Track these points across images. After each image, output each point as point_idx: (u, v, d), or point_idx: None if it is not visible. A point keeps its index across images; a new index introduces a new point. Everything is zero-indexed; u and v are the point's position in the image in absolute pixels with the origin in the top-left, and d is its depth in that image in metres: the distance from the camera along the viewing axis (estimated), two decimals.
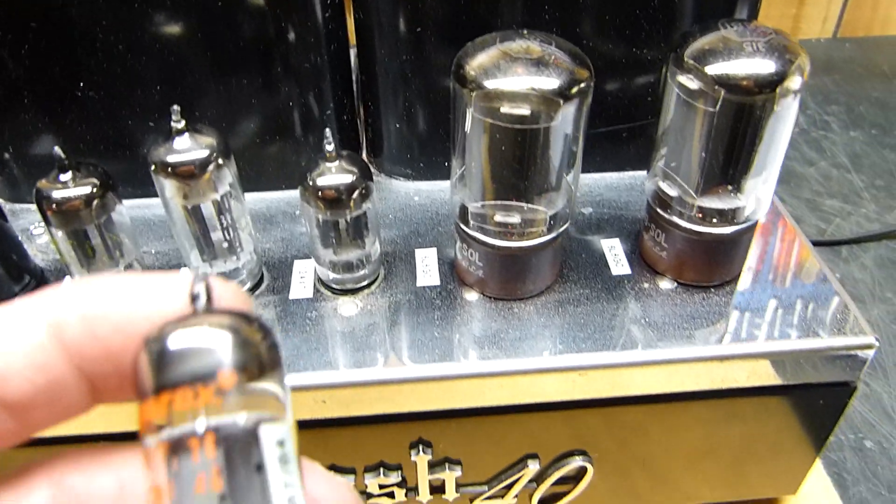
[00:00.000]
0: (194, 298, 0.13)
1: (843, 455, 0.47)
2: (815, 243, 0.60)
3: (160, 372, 0.12)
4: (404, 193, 0.41)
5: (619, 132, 0.40)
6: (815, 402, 0.35)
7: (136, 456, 0.14)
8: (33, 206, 0.39)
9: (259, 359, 0.12)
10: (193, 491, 0.11)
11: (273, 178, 0.40)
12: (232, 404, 0.12)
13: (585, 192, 0.41)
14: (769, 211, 0.40)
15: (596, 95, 0.38)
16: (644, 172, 0.42)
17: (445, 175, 0.41)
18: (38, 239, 0.38)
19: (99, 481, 0.14)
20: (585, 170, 0.41)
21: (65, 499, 0.14)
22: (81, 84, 0.36)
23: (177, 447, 0.11)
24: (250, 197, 0.40)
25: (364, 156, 0.42)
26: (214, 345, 0.12)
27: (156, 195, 0.32)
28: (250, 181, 0.39)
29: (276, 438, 0.12)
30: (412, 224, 0.39)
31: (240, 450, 0.12)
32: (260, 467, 0.12)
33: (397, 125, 0.40)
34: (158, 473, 0.12)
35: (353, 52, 0.39)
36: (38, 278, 0.36)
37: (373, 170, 0.42)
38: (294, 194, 0.39)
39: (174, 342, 0.12)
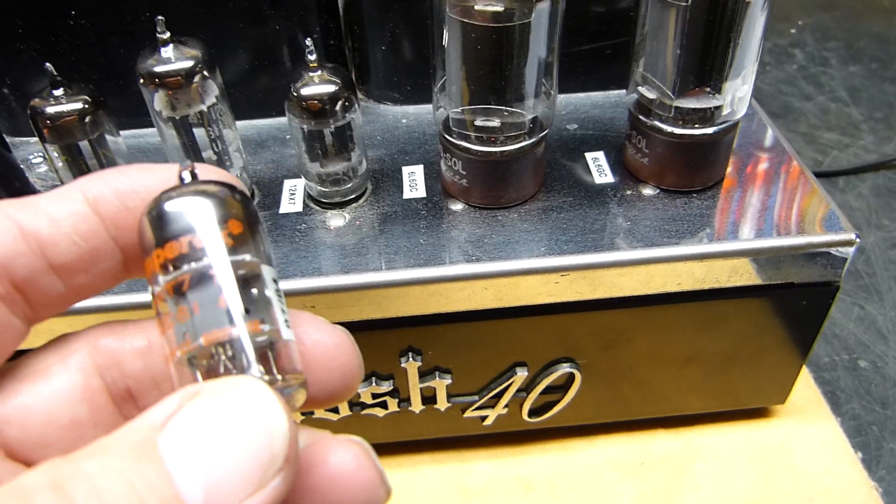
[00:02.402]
0: (182, 180, 0.15)
1: (836, 374, 0.47)
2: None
3: (175, 221, 0.14)
4: (392, 117, 0.41)
5: (603, 49, 0.40)
6: (798, 304, 0.35)
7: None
8: (32, 139, 0.41)
9: (248, 213, 0.15)
10: (218, 306, 0.14)
11: (263, 105, 0.41)
12: (239, 245, 0.14)
13: (571, 110, 0.41)
14: (750, 118, 0.40)
15: (579, 13, 0.39)
16: None
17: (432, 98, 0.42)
18: (38, 168, 0.39)
19: (129, 341, 0.16)
20: (570, 89, 0.42)
21: (100, 357, 0.16)
22: (73, 12, 0.37)
23: (200, 276, 0.14)
24: (241, 125, 0.41)
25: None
26: (214, 201, 0.14)
27: (149, 125, 0.33)
28: (241, 109, 0.40)
29: (272, 276, 0.15)
30: (399, 144, 0.39)
31: (248, 280, 0.14)
32: (264, 294, 0.14)
33: (383, 48, 0.40)
34: (179, 299, 0.14)
35: None
36: None
37: (361, 95, 0.43)
38: (283, 120, 0.40)
39: (181, 202, 0.14)
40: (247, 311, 0.14)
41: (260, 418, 0.12)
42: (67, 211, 0.15)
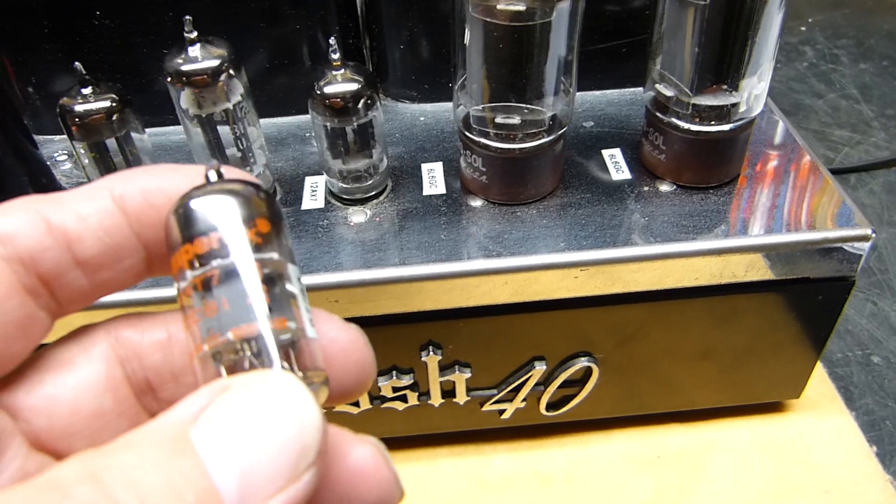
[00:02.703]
0: (208, 179, 0.15)
1: (850, 370, 0.48)
2: None
3: (204, 218, 0.14)
4: (410, 115, 0.42)
5: (619, 48, 0.41)
6: (813, 299, 0.36)
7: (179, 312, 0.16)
8: (56, 137, 0.41)
9: (274, 212, 0.15)
10: (246, 301, 0.14)
11: (283, 103, 0.41)
12: (265, 243, 0.15)
13: (587, 107, 0.41)
14: (765, 115, 0.40)
15: (595, 11, 0.39)
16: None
17: (450, 97, 0.42)
18: (62, 165, 0.40)
19: (149, 333, 0.16)
20: (586, 87, 0.42)
21: (121, 349, 0.16)
22: (97, 13, 0.37)
23: (230, 272, 0.14)
24: (262, 122, 0.41)
25: None
26: (242, 199, 0.15)
27: (174, 122, 0.34)
28: (261, 107, 0.41)
29: (297, 274, 0.15)
30: (418, 142, 0.40)
31: (275, 277, 0.14)
32: (290, 292, 0.15)
33: (401, 47, 0.41)
34: (207, 295, 0.14)
35: None
36: None
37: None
38: (303, 118, 0.41)
39: (211, 199, 0.15)
40: (272, 308, 0.14)
41: (292, 411, 0.13)
42: (94, 207, 0.15)
